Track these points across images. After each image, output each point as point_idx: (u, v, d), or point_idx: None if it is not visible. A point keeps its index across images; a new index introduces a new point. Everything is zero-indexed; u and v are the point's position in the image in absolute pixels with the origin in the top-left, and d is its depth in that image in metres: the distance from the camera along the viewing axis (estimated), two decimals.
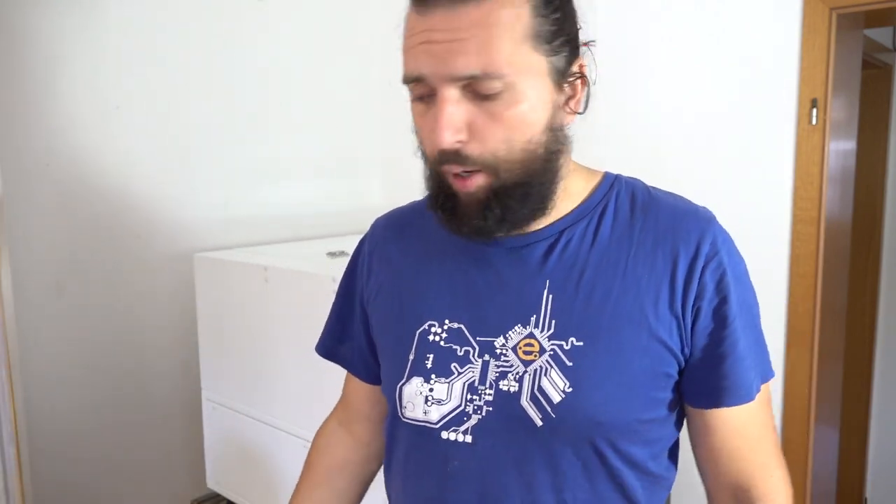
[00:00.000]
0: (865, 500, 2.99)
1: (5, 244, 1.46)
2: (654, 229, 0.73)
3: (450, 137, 0.65)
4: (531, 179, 0.68)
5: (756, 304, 0.76)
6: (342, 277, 0.92)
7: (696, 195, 1.99)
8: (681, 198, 0.78)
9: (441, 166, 0.68)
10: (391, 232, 0.87)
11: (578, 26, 0.72)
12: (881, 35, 2.64)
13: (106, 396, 1.85)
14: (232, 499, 1.86)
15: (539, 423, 0.69)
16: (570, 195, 0.75)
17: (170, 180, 1.93)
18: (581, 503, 0.71)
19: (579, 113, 0.71)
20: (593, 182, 0.77)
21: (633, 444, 0.72)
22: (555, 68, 0.67)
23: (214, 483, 1.91)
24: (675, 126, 1.92)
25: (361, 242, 0.91)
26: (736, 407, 0.73)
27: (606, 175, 0.79)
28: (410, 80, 0.67)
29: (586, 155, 1.93)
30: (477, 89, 0.64)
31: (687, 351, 0.72)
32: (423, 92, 0.67)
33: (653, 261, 0.71)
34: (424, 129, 0.69)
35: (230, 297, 1.78)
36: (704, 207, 0.77)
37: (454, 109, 0.65)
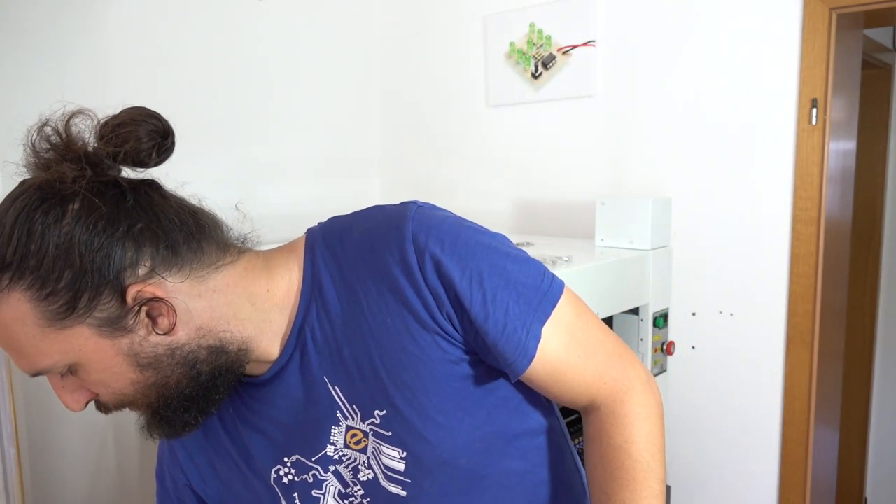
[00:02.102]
0: (865, 500, 2.99)
1: None
2: (364, 271, 0.70)
3: (75, 407, 0.68)
4: (167, 402, 0.68)
5: (491, 252, 0.70)
6: (157, 466, 0.91)
7: (697, 195, 2.00)
8: (374, 212, 0.73)
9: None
10: None
11: (124, 247, 0.63)
12: (881, 35, 2.64)
13: None
14: None
15: (403, 494, 0.72)
16: (280, 302, 0.72)
17: (169, 180, 1.93)
18: None
19: (167, 333, 0.65)
20: (297, 266, 0.73)
21: (491, 442, 0.73)
22: (101, 322, 0.63)
23: None
24: (675, 126, 1.92)
25: (159, 459, 0.90)
26: (526, 375, 0.71)
27: (305, 244, 0.74)
28: None
29: (581, 151, 1.92)
30: (54, 373, 0.66)
31: (466, 346, 0.71)
32: None
33: (384, 301, 0.69)
34: None
35: None
36: (399, 205, 0.72)
37: (61, 387, 0.68)
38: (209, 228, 0.71)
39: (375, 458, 0.72)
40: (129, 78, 1.82)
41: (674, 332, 1.91)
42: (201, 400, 0.69)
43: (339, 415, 0.73)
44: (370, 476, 0.73)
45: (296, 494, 0.77)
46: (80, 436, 1.79)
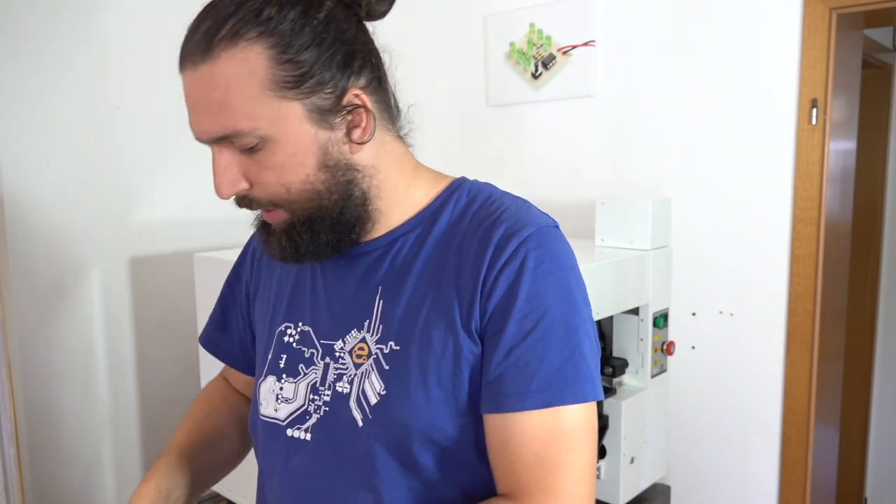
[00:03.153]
0: (865, 500, 2.99)
1: (5, 244, 1.46)
2: (474, 234, 0.72)
3: (227, 190, 0.69)
4: (320, 214, 0.70)
5: (574, 311, 0.69)
6: (231, 270, 0.94)
7: (697, 195, 2.00)
8: (522, 205, 0.75)
9: (240, 208, 0.73)
10: None
11: (355, 52, 0.69)
12: (881, 35, 2.64)
13: (105, 396, 1.85)
14: (232, 499, 1.86)
15: (360, 423, 0.72)
16: (405, 206, 0.76)
17: (170, 180, 1.94)
18: (396, 502, 0.72)
19: (363, 143, 0.69)
20: (434, 192, 0.78)
21: (450, 446, 0.71)
22: (315, 108, 0.66)
23: None
24: (675, 126, 1.92)
25: (251, 239, 0.94)
26: (488, 416, 0.69)
27: (452, 182, 0.79)
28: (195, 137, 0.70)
29: (581, 151, 1.91)
30: (237, 144, 0.67)
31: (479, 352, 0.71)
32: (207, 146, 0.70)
33: (471, 266, 0.70)
34: None
35: None
36: (544, 214, 0.74)
37: (225, 164, 0.68)
38: (393, 95, 0.76)
39: (361, 379, 0.73)
40: (128, 78, 1.82)
41: (674, 332, 1.91)
42: (333, 236, 0.72)
43: (365, 323, 0.74)
44: (345, 391, 0.73)
45: (284, 356, 0.79)
46: (79, 436, 1.79)
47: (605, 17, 2.01)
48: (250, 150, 0.67)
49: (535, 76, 2.14)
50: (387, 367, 0.71)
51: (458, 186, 0.78)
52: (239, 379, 0.97)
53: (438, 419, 0.70)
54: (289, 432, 0.77)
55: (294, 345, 0.79)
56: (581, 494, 0.67)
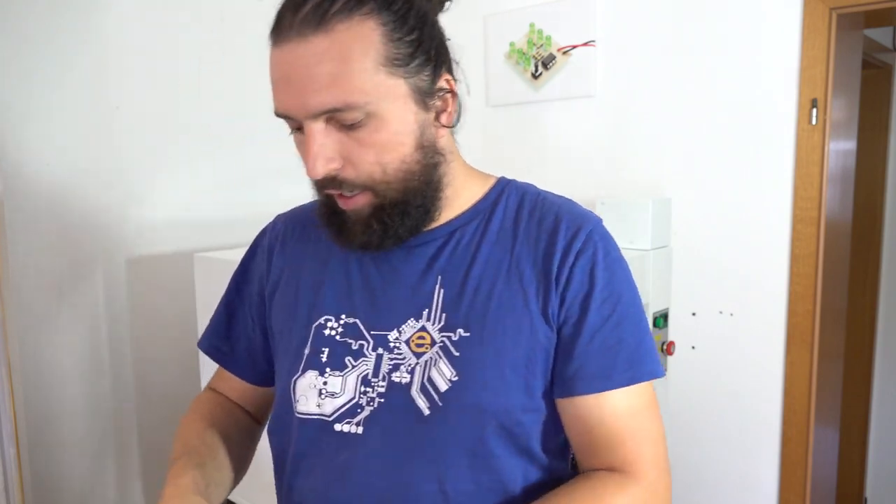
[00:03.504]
0: (865, 500, 2.99)
1: (5, 244, 1.46)
2: (537, 227, 0.76)
3: (321, 169, 0.68)
4: (409, 197, 0.71)
5: (637, 299, 0.76)
6: (237, 270, 0.91)
7: (697, 195, 2.00)
8: (570, 201, 0.80)
9: (323, 191, 0.73)
10: (293, 227, 0.89)
11: (442, 41, 0.73)
12: (881, 35, 2.64)
13: (106, 396, 1.85)
14: (232, 499, 1.86)
15: (427, 412, 0.71)
16: (462, 198, 0.79)
17: (170, 180, 1.94)
18: (462, 495, 0.71)
19: (450, 126, 0.74)
20: (486, 186, 0.81)
21: (518, 433, 0.73)
22: (417, 88, 0.69)
23: None
24: (675, 126, 1.92)
25: (262, 235, 0.91)
26: (573, 399, 0.72)
27: (500, 180, 0.83)
28: (278, 115, 0.69)
29: (581, 151, 1.91)
30: (339, 120, 0.66)
31: (555, 338, 0.74)
32: (295, 124, 0.69)
33: (535, 255, 0.74)
34: (303, 157, 0.70)
35: None
36: (591, 212, 0.79)
37: (322, 141, 0.67)
38: None
39: (424, 368, 0.72)
40: (128, 78, 1.82)
41: (674, 332, 1.91)
42: (414, 220, 0.73)
43: (424, 312, 0.74)
44: (404, 380, 0.72)
45: (326, 350, 0.77)
46: (79, 436, 1.79)
47: (605, 17, 2.01)
48: (350, 127, 0.66)
49: (535, 76, 2.14)
50: (457, 354, 0.72)
51: (507, 184, 0.82)
52: (235, 387, 0.92)
53: (511, 404, 0.72)
54: (337, 427, 0.74)
55: (337, 337, 0.77)
56: (667, 459, 0.75)
